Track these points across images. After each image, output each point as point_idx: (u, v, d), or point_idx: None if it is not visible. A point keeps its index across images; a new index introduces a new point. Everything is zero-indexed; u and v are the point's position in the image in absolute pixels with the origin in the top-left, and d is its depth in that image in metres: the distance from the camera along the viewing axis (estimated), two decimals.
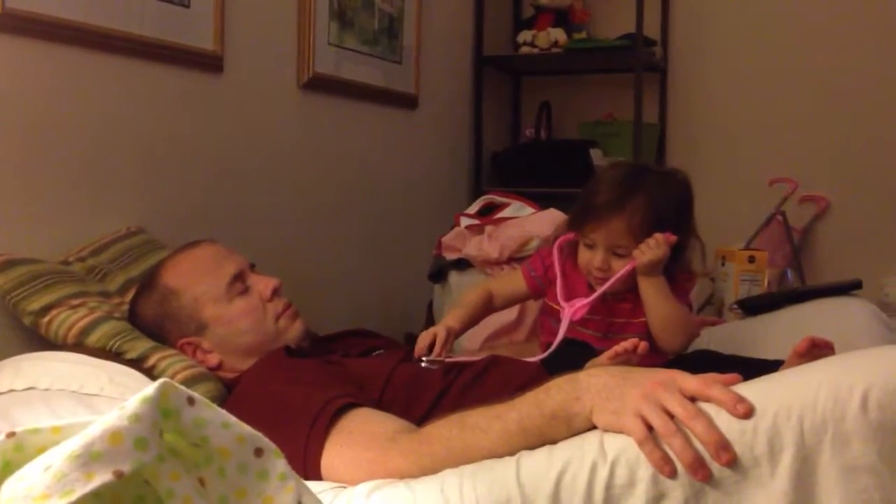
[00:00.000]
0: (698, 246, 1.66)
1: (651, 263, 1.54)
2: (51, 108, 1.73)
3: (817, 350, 1.31)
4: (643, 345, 1.34)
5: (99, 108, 1.83)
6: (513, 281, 1.79)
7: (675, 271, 1.61)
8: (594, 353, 1.44)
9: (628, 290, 1.61)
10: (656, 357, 1.55)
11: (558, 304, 1.65)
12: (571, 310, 1.61)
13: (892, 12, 3.19)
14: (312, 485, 1.12)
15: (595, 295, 1.60)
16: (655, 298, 1.57)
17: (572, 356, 1.47)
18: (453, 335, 1.65)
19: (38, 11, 1.66)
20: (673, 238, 1.55)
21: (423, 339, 1.58)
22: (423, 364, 1.52)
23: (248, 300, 1.58)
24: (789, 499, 0.95)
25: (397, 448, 1.17)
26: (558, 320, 1.65)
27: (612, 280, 1.58)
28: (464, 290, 2.32)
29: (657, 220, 1.55)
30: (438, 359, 1.53)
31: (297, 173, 2.44)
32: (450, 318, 1.68)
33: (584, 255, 1.62)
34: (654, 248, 1.54)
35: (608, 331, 1.63)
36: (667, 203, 1.58)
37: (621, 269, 1.58)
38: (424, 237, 2.70)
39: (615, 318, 1.64)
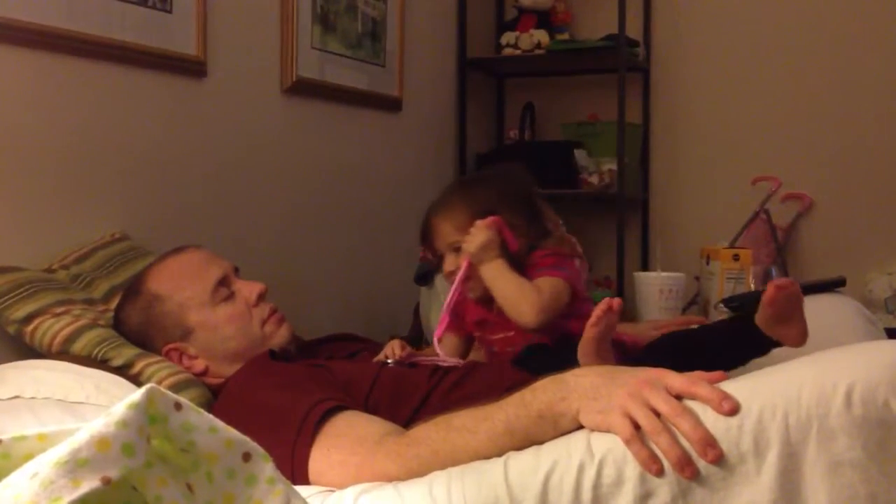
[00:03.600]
0: (559, 222, 1.71)
1: (480, 249, 1.56)
2: (33, 114, 1.72)
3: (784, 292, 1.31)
4: (616, 301, 1.34)
5: (82, 115, 1.82)
6: None
7: (527, 252, 1.62)
8: (561, 353, 1.44)
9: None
10: (528, 335, 1.57)
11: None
12: (437, 333, 1.63)
13: (874, 12, 3.21)
14: (300, 489, 1.12)
15: (445, 310, 1.62)
16: (493, 279, 1.57)
17: (557, 357, 1.47)
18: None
19: (18, 18, 1.65)
20: (496, 219, 1.57)
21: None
22: (388, 363, 1.55)
23: (233, 305, 1.58)
24: (775, 495, 0.95)
25: (384, 451, 1.17)
26: (491, 347, 1.67)
27: (454, 286, 1.61)
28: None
29: (479, 210, 1.60)
30: (400, 360, 1.55)
31: (281, 178, 2.44)
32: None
33: (447, 263, 1.65)
34: (476, 234, 1.56)
35: (513, 343, 1.62)
36: (484, 192, 1.64)
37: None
38: (410, 240, 2.70)
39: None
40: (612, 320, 1.35)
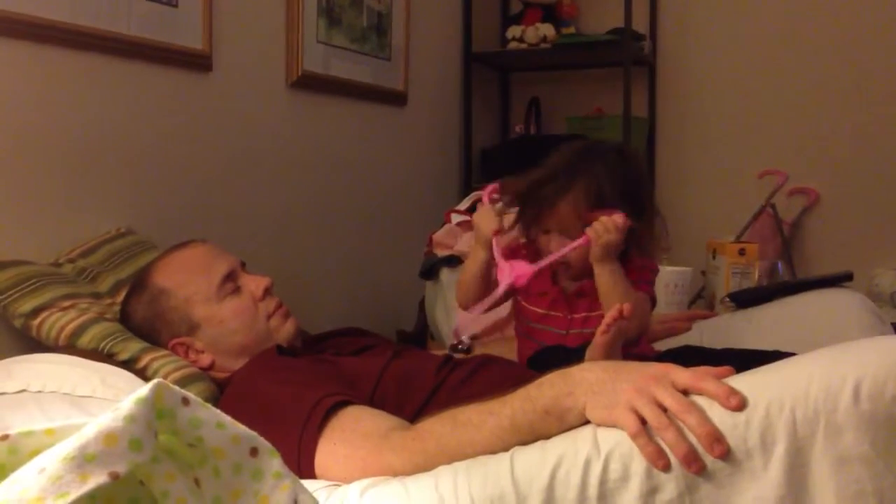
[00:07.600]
0: (659, 223, 1.60)
1: (604, 247, 1.48)
2: (39, 109, 1.72)
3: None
4: (627, 307, 1.33)
5: (87, 109, 1.82)
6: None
7: (632, 256, 1.56)
8: (581, 356, 1.43)
9: (584, 278, 1.56)
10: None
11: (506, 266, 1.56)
12: (514, 273, 1.51)
13: (882, 6, 3.20)
14: (307, 483, 1.12)
15: (544, 262, 1.53)
16: (610, 286, 1.50)
17: (559, 358, 1.46)
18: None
19: (24, 12, 1.65)
20: (627, 222, 1.48)
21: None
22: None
23: (239, 300, 1.58)
24: (782, 490, 0.95)
25: (390, 445, 1.18)
26: (528, 321, 1.63)
27: (566, 249, 1.52)
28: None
29: (602, 200, 1.51)
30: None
31: (286, 172, 2.44)
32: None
33: (542, 241, 1.59)
34: (609, 232, 1.47)
35: (569, 327, 1.59)
36: (612, 181, 1.53)
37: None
38: (415, 234, 2.70)
39: (574, 315, 1.59)
40: (622, 327, 1.35)
